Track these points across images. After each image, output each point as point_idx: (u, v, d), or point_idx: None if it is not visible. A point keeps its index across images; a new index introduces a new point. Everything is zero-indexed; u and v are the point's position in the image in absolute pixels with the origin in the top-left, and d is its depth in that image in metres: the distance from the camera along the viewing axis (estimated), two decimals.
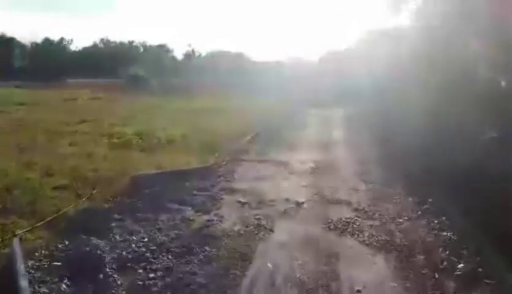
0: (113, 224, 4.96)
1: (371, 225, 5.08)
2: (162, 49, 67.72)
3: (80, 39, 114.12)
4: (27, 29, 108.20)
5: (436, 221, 5.19)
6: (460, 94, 9.13)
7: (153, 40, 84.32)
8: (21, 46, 67.95)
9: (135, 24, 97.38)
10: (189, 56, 63.90)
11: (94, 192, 6.02)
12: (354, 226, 5.05)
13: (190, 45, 66.08)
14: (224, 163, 8.13)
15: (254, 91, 30.67)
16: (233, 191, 6.32)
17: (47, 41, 67.83)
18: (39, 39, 67.52)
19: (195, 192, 6.17)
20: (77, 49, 69.24)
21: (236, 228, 4.94)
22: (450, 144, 7.97)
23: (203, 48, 78.03)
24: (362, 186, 6.73)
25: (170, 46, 69.00)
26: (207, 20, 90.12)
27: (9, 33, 64.56)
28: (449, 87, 9.57)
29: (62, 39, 69.82)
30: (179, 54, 66.18)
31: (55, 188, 6.07)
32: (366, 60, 27.14)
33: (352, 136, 12.01)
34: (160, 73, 45.14)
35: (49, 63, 60.49)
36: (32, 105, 22.81)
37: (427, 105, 10.35)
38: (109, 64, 53.66)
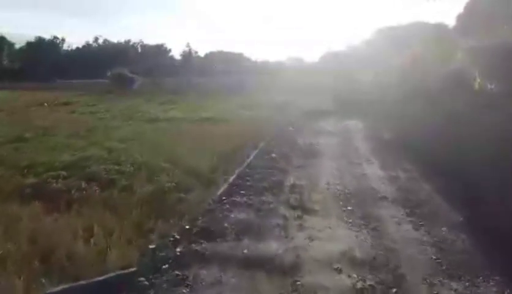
0: None
1: None
2: (160, 48, 64.99)
3: (79, 39, 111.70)
4: (21, 28, 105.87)
5: None
6: None
7: (151, 40, 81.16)
8: (12, 45, 64.97)
9: (135, 23, 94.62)
10: (187, 55, 61.02)
11: None
12: None
13: (187, 45, 62.54)
14: (168, 263, 3.98)
15: (253, 92, 27.84)
16: None
17: (40, 40, 64.68)
18: (31, 38, 64.52)
19: None
20: (69, 49, 66.22)
21: None
22: None
23: (202, 48, 74.99)
24: None
25: (168, 46, 65.60)
26: (207, 19, 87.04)
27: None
28: None
29: (55, 38, 66.77)
30: (177, 54, 63.24)
31: None
32: (374, 60, 23.28)
33: (400, 181, 7.23)
34: (155, 72, 42.74)
35: (41, 63, 57.51)
36: None
37: None
38: (106, 63, 50.26)
